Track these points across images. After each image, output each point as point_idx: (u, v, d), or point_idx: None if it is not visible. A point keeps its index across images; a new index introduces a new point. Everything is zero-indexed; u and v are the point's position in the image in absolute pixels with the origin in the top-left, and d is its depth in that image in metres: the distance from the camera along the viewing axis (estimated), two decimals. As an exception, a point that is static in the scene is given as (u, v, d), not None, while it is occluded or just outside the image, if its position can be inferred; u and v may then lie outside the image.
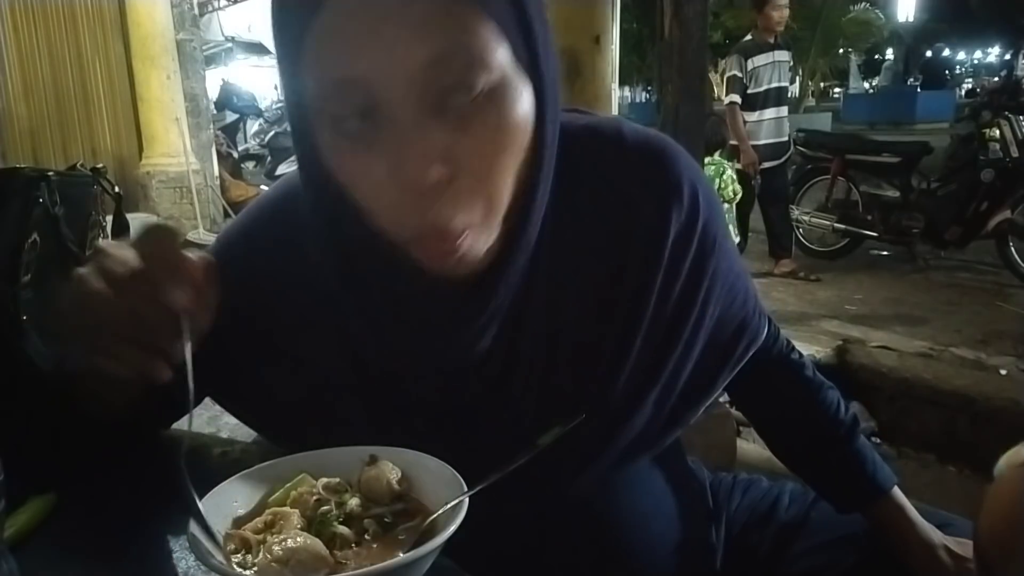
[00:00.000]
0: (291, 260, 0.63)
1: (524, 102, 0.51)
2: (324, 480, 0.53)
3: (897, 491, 0.77)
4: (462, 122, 0.49)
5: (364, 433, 0.59)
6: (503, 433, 0.61)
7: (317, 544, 0.46)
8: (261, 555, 0.46)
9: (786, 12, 4.40)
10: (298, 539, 0.46)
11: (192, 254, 0.51)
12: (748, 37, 4.59)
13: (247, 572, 0.45)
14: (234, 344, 0.62)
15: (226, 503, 0.51)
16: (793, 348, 0.83)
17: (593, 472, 0.65)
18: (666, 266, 0.63)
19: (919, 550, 0.74)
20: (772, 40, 4.42)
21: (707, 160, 3.78)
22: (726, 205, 3.84)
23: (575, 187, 0.61)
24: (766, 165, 4.49)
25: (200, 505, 0.47)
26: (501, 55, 0.49)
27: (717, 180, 3.86)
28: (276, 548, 0.45)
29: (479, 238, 0.53)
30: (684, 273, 0.64)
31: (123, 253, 0.50)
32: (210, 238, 5.22)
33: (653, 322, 0.63)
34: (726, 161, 4.06)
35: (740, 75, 4.42)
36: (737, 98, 4.42)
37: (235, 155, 7.50)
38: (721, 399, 0.91)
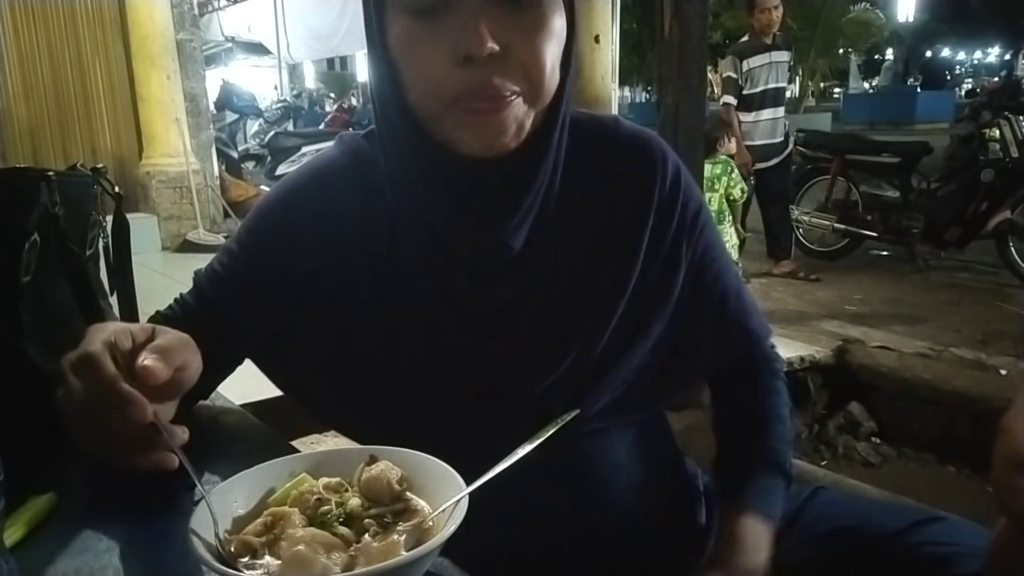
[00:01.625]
0: (325, 211, 0.74)
1: (561, 20, 0.65)
2: (324, 480, 0.53)
3: (759, 517, 0.76)
4: (517, 18, 0.62)
5: (380, 372, 0.72)
6: (506, 364, 0.70)
7: (328, 535, 0.47)
8: (283, 547, 0.46)
9: (777, 14, 4.37)
10: (315, 532, 0.47)
11: (144, 354, 0.56)
12: (744, 38, 4.60)
13: (249, 573, 0.45)
14: (272, 301, 0.74)
15: (226, 503, 0.51)
16: (777, 357, 0.88)
17: (581, 414, 0.70)
18: (652, 229, 0.74)
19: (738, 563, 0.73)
20: (769, 41, 4.41)
21: (714, 159, 3.76)
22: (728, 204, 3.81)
23: (578, 161, 0.72)
24: (760, 166, 4.49)
25: (207, 507, 0.48)
26: None
27: (725, 179, 3.83)
28: (299, 534, 0.47)
29: (522, 108, 0.64)
30: (669, 238, 0.75)
31: (75, 385, 0.56)
32: (210, 238, 5.24)
33: (642, 277, 0.73)
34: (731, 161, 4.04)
35: (735, 76, 4.42)
36: (732, 100, 4.41)
37: (235, 155, 7.49)
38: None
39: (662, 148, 0.77)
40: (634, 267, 0.73)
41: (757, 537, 0.75)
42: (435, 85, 0.63)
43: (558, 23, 0.64)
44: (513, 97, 0.63)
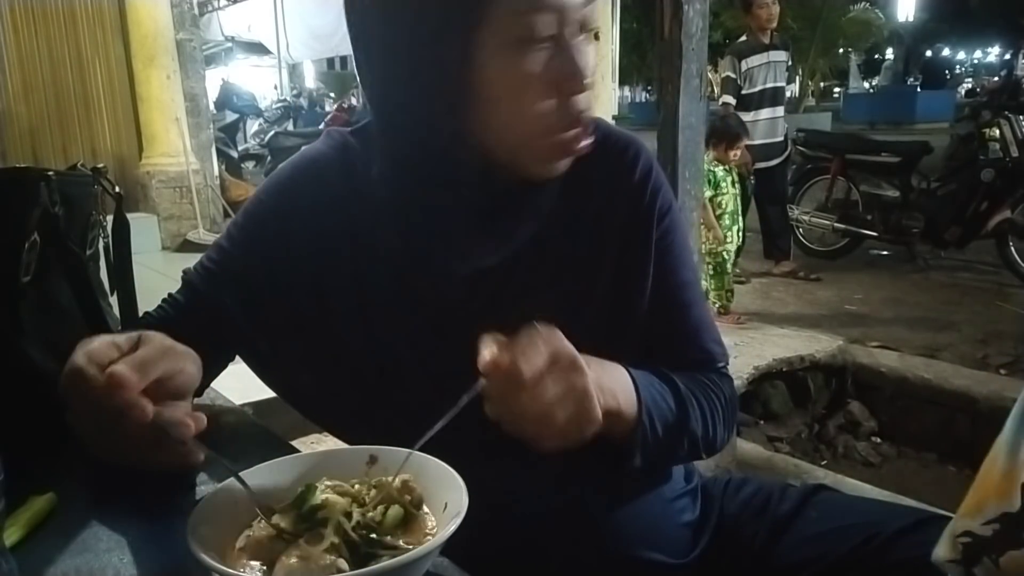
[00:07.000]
0: (313, 202, 0.75)
1: None
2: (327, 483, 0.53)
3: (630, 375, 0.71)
4: (590, 50, 0.67)
5: (368, 370, 0.73)
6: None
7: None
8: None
9: (775, 8, 4.36)
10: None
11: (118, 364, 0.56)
12: (743, 38, 4.59)
13: (248, 572, 0.45)
14: (264, 294, 0.75)
15: (227, 502, 0.51)
16: (726, 379, 0.82)
17: None
18: (619, 234, 0.75)
19: None
20: (767, 40, 4.41)
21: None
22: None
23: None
24: (760, 165, 4.48)
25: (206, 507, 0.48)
26: None
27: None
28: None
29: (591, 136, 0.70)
30: (637, 244, 0.75)
31: (73, 400, 0.58)
32: (210, 238, 5.23)
33: (609, 282, 0.75)
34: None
35: (734, 76, 4.41)
36: (731, 99, 4.40)
37: (235, 155, 7.48)
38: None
39: (636, 151, 0.78)
40: (601, 273, 0.74)
41: (614, 368, 0.69)
42: (530, 117, 0.65)
43: None
44: (592, 127, 0.69)
